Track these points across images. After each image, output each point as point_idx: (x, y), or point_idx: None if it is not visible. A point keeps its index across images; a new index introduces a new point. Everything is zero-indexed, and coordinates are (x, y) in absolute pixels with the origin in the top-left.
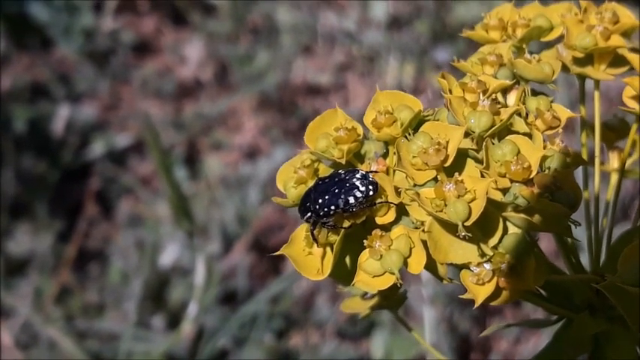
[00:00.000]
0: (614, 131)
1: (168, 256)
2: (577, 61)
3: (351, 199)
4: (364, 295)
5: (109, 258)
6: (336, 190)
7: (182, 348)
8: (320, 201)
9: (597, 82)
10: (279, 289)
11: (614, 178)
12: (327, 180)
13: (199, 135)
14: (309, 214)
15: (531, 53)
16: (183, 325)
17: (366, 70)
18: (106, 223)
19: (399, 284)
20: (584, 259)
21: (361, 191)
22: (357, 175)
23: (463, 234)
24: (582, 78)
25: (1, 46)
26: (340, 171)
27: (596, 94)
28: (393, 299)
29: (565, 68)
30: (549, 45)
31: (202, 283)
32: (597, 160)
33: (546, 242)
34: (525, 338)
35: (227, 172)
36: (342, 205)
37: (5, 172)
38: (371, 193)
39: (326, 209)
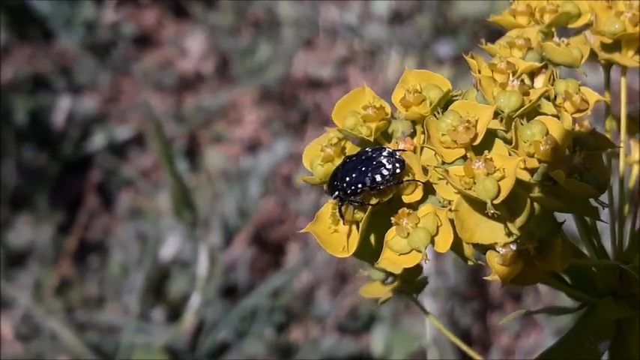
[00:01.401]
0: (636, 122)
1: (169, 249)
2: (605, 47)
3: (378, 177)
4: (384, 281)
5: (110, 250)
6: (363, 168)
7: (182, 341)
8: (347, 179)
9: (624, 69)
10: (280, 283)
11: (636, 168)
12: (354, 158)
13: (200, 128)
14: (336, 192)
15: (560, 38)
16: (185, 317)
17: (367, 64)
18: (106, 216)
19: (425, 262)
20: (606, 245)
21: (388, 169)
22: (384, 153)
23: (492, 212)
24: (609, 64)
25: (1, 38)
26: (367, 149)
27: (623, 80)
28: (413, 284)
29: (593, 54)
30: (576, 32)
31: (204, 274)
32: (622, 146)
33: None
34: (526, 333)
35: (228, 165)
36: (369, 183)
37: (6, 163)
38: (398, 170)
39: (353, 187)
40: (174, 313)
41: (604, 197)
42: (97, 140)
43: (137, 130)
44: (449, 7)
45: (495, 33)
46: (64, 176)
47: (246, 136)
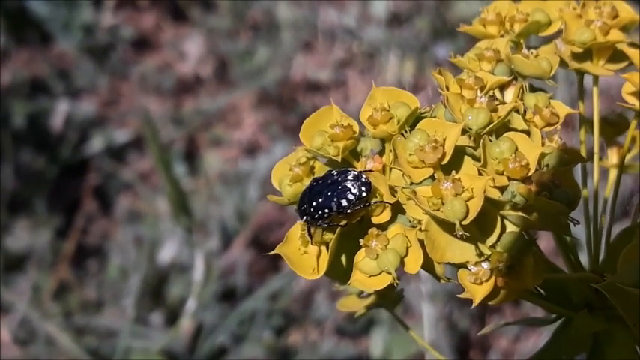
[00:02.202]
0: (613, 127)
1: (167, 253)
2: (575, 57)
3: (344, 202)
4: (361, 294)
5: (108, 254)
6: (329, 193)
7: (181, 345)
8: (314, 204)
9: (596, 78)
10: (278, 286)
11: (612, 174)
12: (320, 182)
13: (199, 131)
14: (304, 216)
15: (529, 48)
16: (181, 321)
17: (366, 66)
18: (104, 219)
19: (395, 284)
20: (584, 258)
21: (353, 193)
22: (350, 177)
23: (460, 233)
24: (581, 73)
25: (0, 41)
26: (333, 172)
27: (595, 90)
28: (389, 298)
29: (563, 63)
30: (547, 40)
31: (201, 278)
32: (596, 157)
33: (545, 241)
34: (525, 336)
35: (226, 169)
36: (335, 208)
37: (4, 167)
38: (364, 194)
39: (320, 212)
40: (173, 317)
41: (580, 207)
42: (96, 144)
43: (136, 133)
44: (447, 9)
45: None
46: (63, 180)
47: (245, 139)
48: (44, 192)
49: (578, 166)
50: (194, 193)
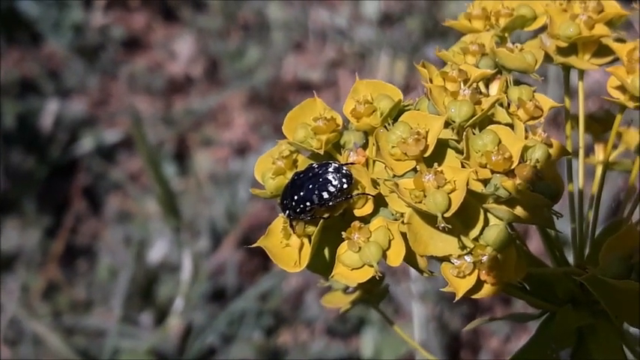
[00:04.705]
0: (600, 123)
1: (157, 253)
2: (561, 51)
3: (325, 194)
4: (346, 290)
5: (97, 254)
6: (310, 186)
7: (170, 345)
8: (295, 197)
9: (581, 72)
10: (269, 286)
11: (598, 170)
12: (302, 175)
13: (189, 131)
14: (287, 211)
15: (514, 43)
16: (169, 321)
17: (357, 66)
18: (94, 219)
19: (377, 277)
20: (572, 257)
21: (334, 185)
22: (330, 169)
23: (442, 225)
24: (567, 68)
25: None
26: (314, 165)
27: (580, 85)
28: (374, 293)
29: (549, 58)
30: (533, 35)
31: (189, 278)
32: (581, 152)
33: (535, 243)
34: (516, 336)
35: (217, 169)
36: (316, 200)
37: None
38: (345, 186)
39: (302, 205)
40: (162, 317)
41: (567, 204)
42: (85, 144)
43: (125, 133)
44: (439, 9)
45: None
46: (52, 180)
47: (236, 139)
48: (33, 192)
49: (565, 164)
50: (184, 193)
